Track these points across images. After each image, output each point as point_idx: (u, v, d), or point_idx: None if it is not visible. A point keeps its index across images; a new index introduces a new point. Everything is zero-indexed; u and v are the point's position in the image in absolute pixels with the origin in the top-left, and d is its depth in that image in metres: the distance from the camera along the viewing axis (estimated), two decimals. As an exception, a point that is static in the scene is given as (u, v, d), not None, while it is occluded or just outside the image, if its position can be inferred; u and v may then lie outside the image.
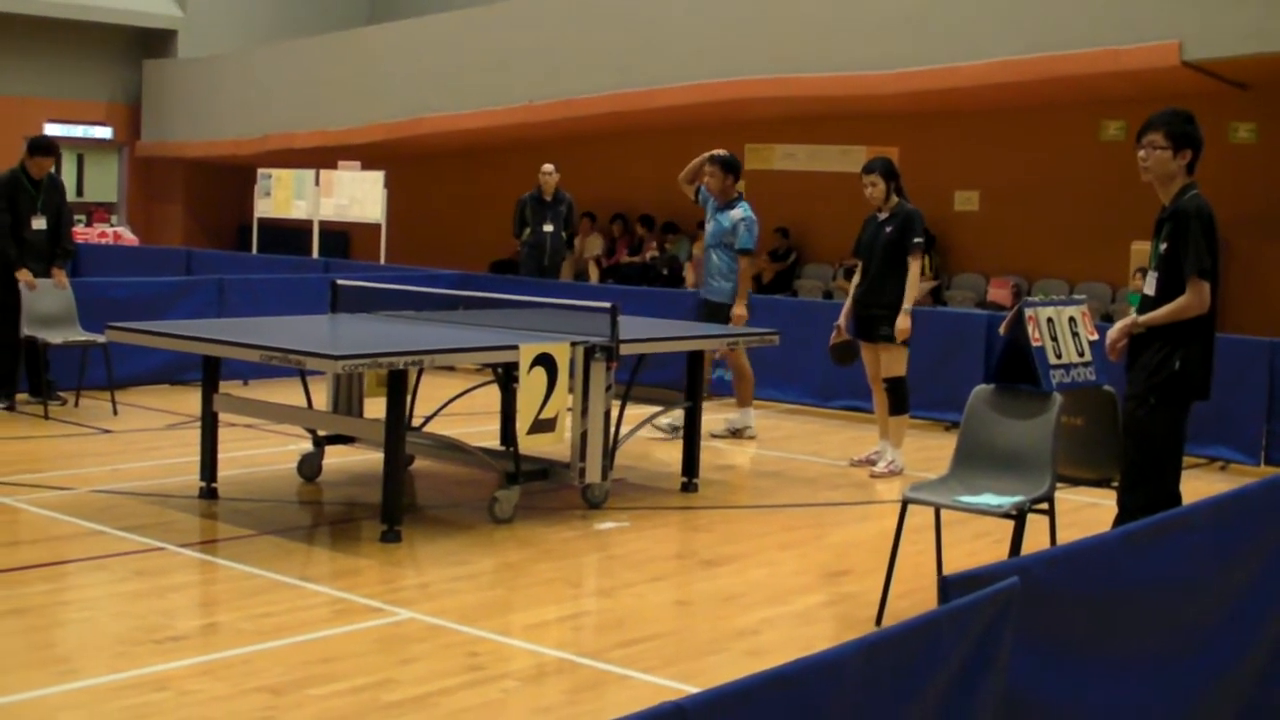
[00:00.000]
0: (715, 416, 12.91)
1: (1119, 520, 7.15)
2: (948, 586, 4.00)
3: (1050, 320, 7.75)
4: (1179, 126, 7.24)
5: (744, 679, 3.23)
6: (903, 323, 11.35)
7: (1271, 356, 12.25)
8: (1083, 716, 4.61)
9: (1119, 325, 7.38)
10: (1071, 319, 7.88)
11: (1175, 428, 7.31)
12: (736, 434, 12.93)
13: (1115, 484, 7.68)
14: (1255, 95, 19.18)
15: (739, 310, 12.50)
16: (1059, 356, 7.69)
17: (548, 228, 18.20)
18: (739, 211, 12.61)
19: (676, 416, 12.16)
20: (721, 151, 12.84)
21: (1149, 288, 7.34)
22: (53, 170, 13.69)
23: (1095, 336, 7.98)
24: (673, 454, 11.05)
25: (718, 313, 12.64)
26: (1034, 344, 7.61)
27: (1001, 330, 7.90)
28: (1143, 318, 7.27)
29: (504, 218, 26.51)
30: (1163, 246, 7.25)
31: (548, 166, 18.29)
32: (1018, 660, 4.14)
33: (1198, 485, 8.23)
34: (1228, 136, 19.25)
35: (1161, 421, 7.24)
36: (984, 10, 19.25)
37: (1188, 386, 7.24)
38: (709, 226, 12.80)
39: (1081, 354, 7.83)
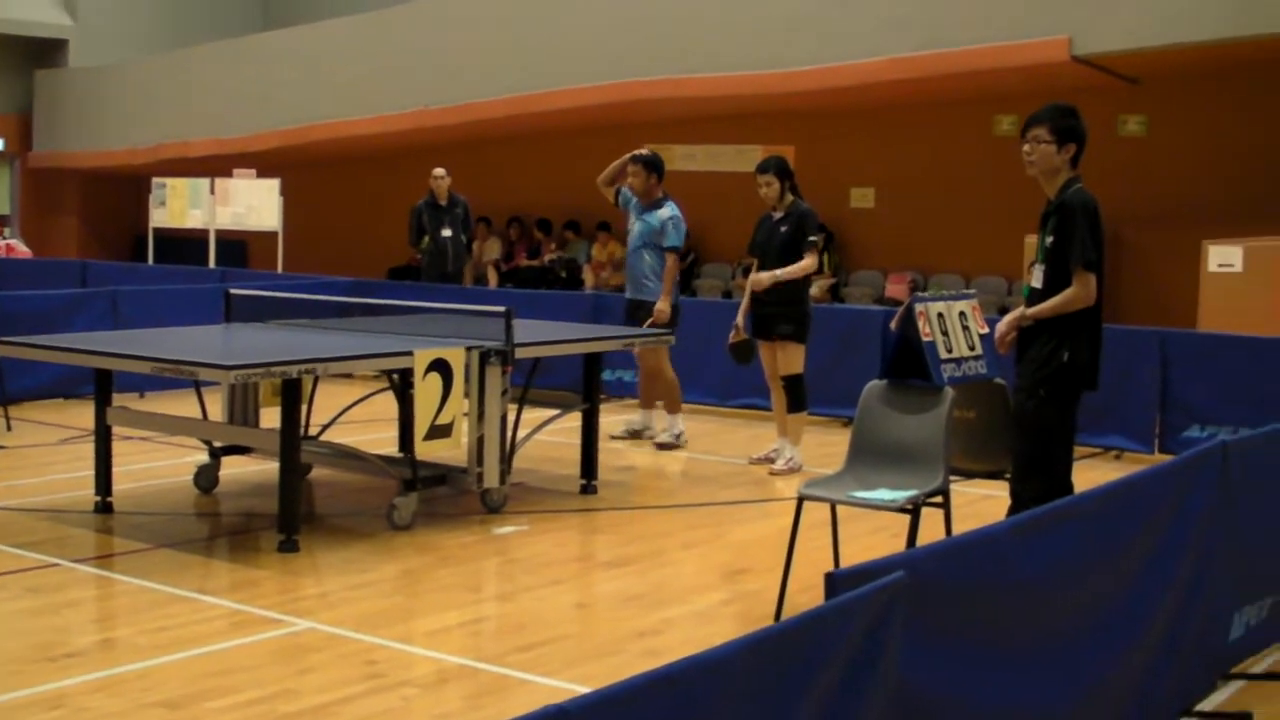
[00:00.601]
0: (615, 419, 12.93)
1: (1012, 511, 7.22)
2: (834, 581, 4.03)
3: (940, 315, 7.81)
4: (1062, 121, 7.32)
5: (628, 679, 3.25)
6: (662, 304, 12.14)
7: (1162, 346, 12.40)
8: (975, 708, 4.66)
9: (1007, 318, 7.45)
10: (962, 313, 7.94)
11: (1065, 418, 7.38)
12: (676, 438, 12.68)
13: (1008, 475, 7.75)
14: (1145, 89, 19.40)
15: (662, 305, 12.35)
16: (950, 351, 7.75)
17: (446, 232, 17.86)
18: (667, 210, 12.55)
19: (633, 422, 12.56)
20: (644, 151, 12.77)
21: (1036, 280, 7.41)
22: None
23: (986, 330, 8.05)
24: (572, 456, 11.04)
25: (652, 313, 12.41)
26: (925, 339, 7.67)
27: (892, 326, 7.96)
28: (1030, 310, 7.34)
29: (402, 224, 26.56)
30: (1049, 240, 7.33)
31: (438, 170, 18.00)
32: (907, 654, 4.18)
33: (1092, 475, 8.30)
34: (1117, 130, 19.47)
35: (1051, 413, 7.32)
36: (875, 8, 19.36)
37: (1076, 378, 7.32)
38: (635, 227, 12.65)
39: (972, 348, 7.89)
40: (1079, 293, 7.22)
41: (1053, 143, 7.28)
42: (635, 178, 12.57)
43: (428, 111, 23.90)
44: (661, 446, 12.57)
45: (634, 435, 12.92)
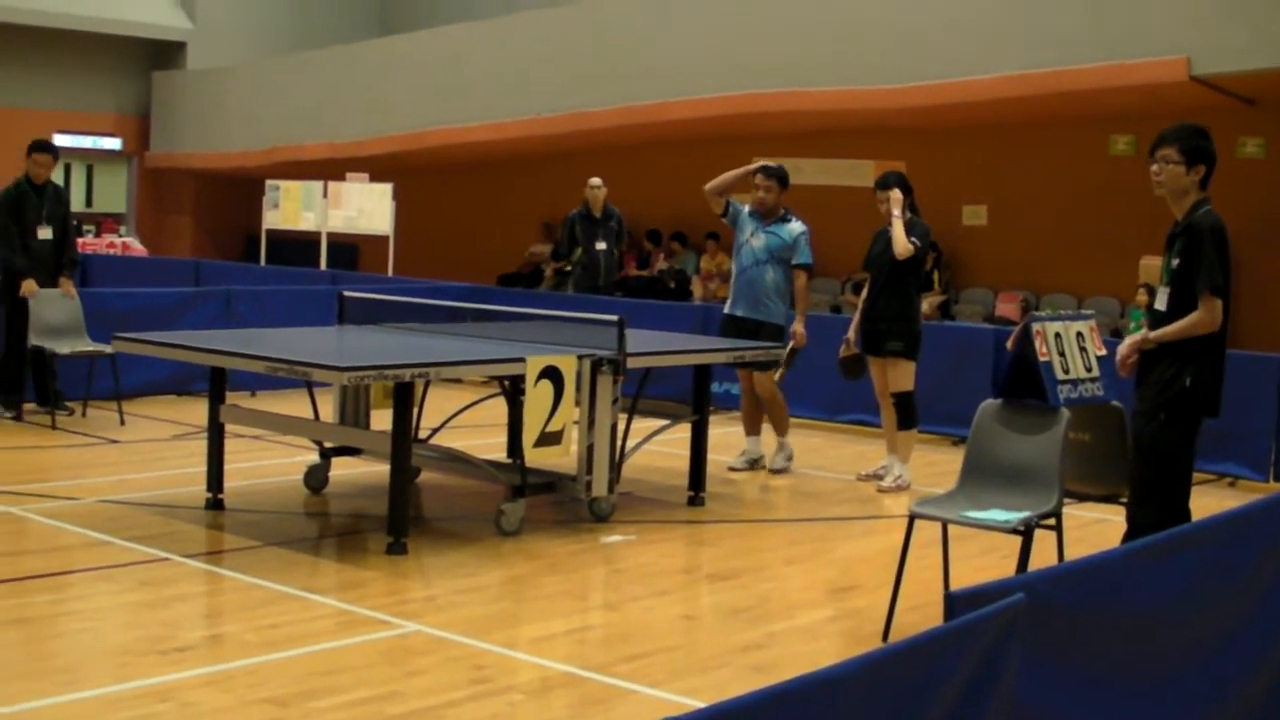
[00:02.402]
0: (722, 432, 12.86)
1: (1128, 536, 7.12)
2: (954, 602, 3.98)
3: (1058, 335, 7.73)
4: (1192, 141, 7.20)
5: (746, 695, 3.21)
6: (799, 326, 11.87)
7: (1280, 373, 12.25)
8: (1089, 733, 4.60)
9: (1129, 341, 7.34)
10: (1079, 334, 7.86)
11: (1185, 444, 7.26)
12: (788, 460, 12.28)
13: (1123, 500, 7.65)
14: (1263, 110, 19.17)
15: (799, 327, 11.95)
16: (1066, 372, 7.67)
17: (600, 245, 17.21)
18: (797, 225, 12.00)
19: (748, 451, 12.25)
20: (770, 163, 12.31)
21: (1160, 303, 7.29)
22: (59, 182, 13.69)
23: (1103, 352, 7.96)
24: (680, 467, 11.02)
25: (776, 335, 11.89)
26: (1041, 359, 7.60)
27: (1009, 346, 7.89)
28: (1154, 333, 7.22)
29: (512, 230, 26.69)
30: (1175, 262, 7.20)
31: (594, 180, 17.31)
32: (1024, 677, 4.12)
33: (1207, 501, 8.20)
34: (1235, 151, 19.23)
35: (1171, 438, 7.20)
36: (991, 25, 19.23)
37: (1198, 403, 7.19)
38: (755, 241, 12.01)
39: (1089, 369, 7.81)
40: (1205, 317, 7.10)
41: (1182, 163, 7.16)
42: (768, 192, 12.01)
43: (541, 119, 23.97)
44: (776, 472, 12.14)
45: (753, 465, 12.28)
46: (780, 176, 12.11)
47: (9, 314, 13.16)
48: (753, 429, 12.37)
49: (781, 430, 12.27)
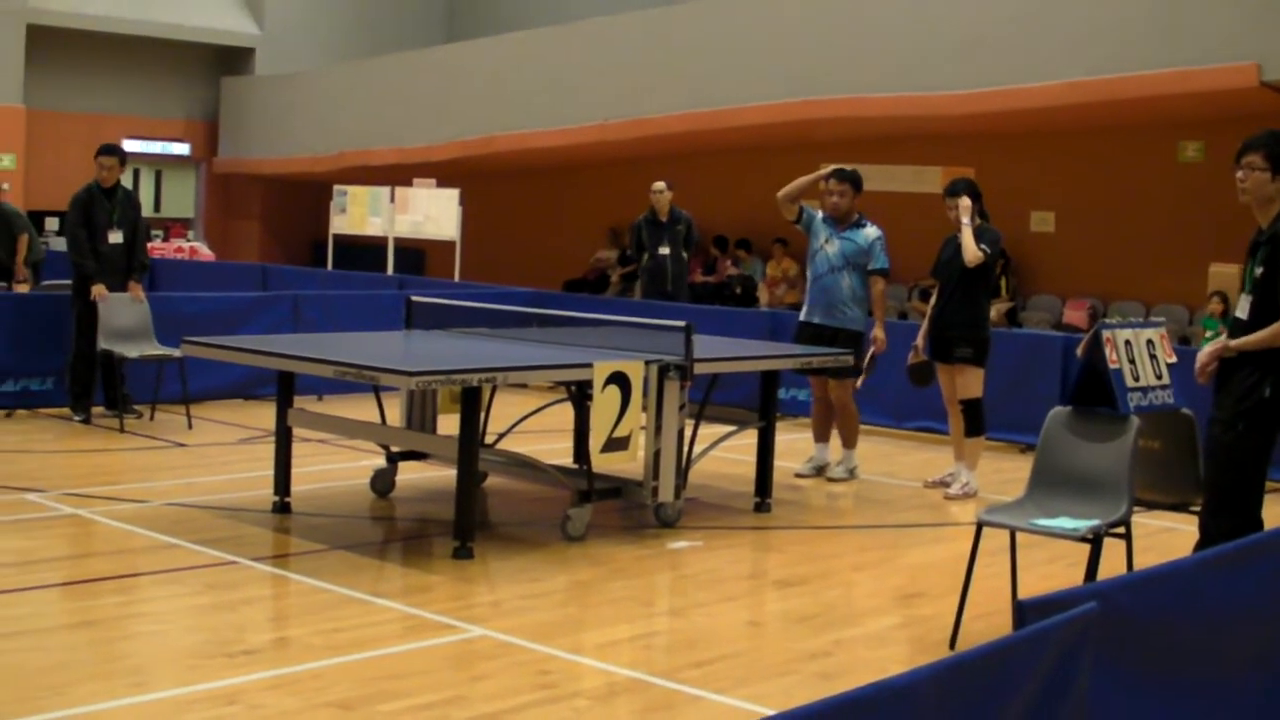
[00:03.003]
0: (789, 439, 12.79)
1: (1200, 545, 7.06)
2: (1024, 611, 3.95)
3: (1128, 342, 7.67)
4: (1278, 148, 7.12)
5: (818, 702, 3.19)
6: (879, 332, 11.82)
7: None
8: (1161, 743, 4.56)
9: (1209, 348, 7.25)
10: (1149, 341, 7.80)
11: (1262, 454, 7.18)
12: (851, 473, 12.10)
13: (1193, 508, 7.59)
14: (1336, 117, 19.01)
15: (880, 333, 11.92)
16: (1136, 379, 7.61)
17: (664, 250, 16.92)
18: (873, 230, 11.91)
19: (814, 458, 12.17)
20: (845, 167, 12.17)
21: (1241, 311, 7.21)
22: (128, 185, 13.76)
23: (1173, 359, 7.90)
24: (746, 473, 11.00)
25: (852, 341, 11.75)
26: (1111, 366, 7.54)
27: (1078, 353, 7.83)
28: (1235, 342, 7.13)
29: (579, 236, 26.73)
30: (1259, 270, 7.11)
31: (658, 185, 17.02)
32: (1094, 686, 4.09)
33: (1278, 510, 8.13)
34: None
35: (1248, 447, 7.12)
36: (1058, 31, 19.13)
37: (1277, 413, 7.11)
38: (830, 247, 11.89)
39: (1159, 377, 7.74)
40: None
41: (1267, 170, 7.08)
42: (841, 197, 11.91)
43: (607, 126, 23.99)
44: (833, 480, 11.99)
45: (819, 472, 12.17)
46: (853, 180, 12.01)
47: (79, 318, 13.24)
48: (822, 435, 12.30)
49: (849, 442, 12.14)
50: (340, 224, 23.49)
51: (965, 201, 11.30)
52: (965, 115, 20.15)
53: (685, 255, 17.18)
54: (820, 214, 12.05)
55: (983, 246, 11.18)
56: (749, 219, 23.60)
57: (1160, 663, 4.59)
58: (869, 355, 11.75)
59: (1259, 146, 7.13)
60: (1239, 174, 7.18)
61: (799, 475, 12.09)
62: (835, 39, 21.38)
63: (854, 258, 11.83)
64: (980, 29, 19.88)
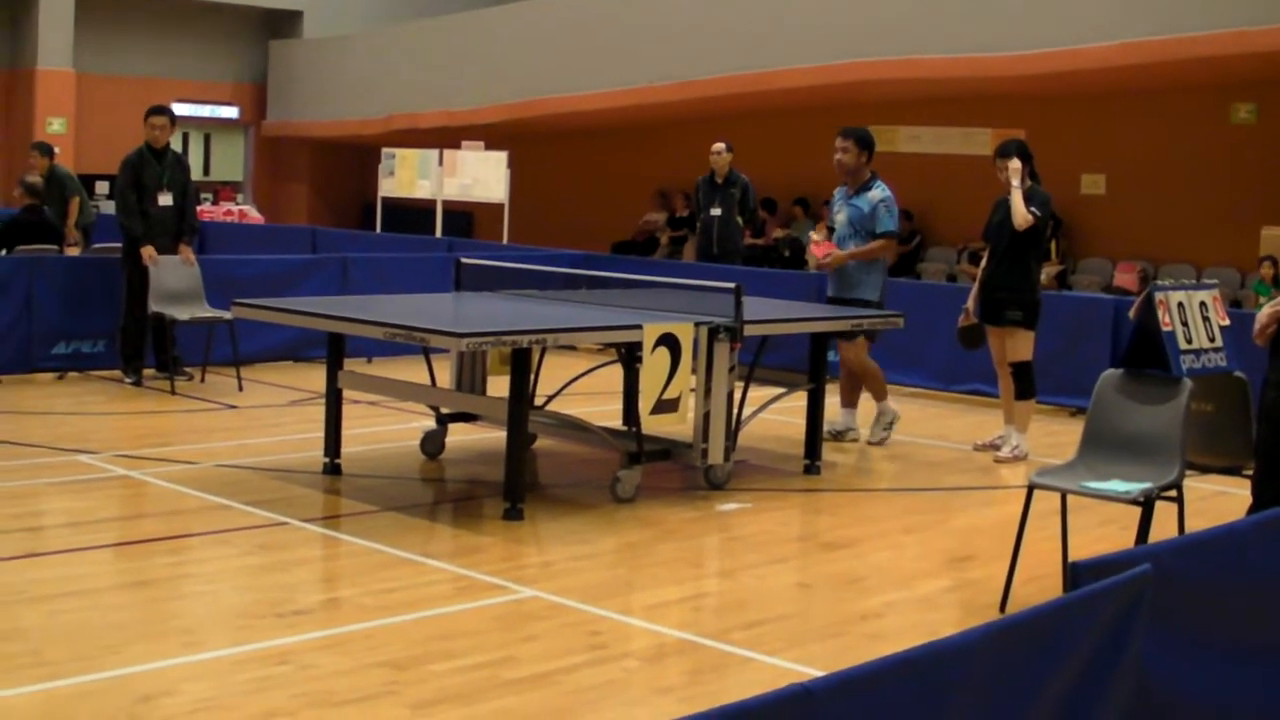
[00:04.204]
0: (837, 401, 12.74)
1: (1254, 509, 7.00)
2: (1078, 573, 3.94)
3: (1181, 305, 7.63)
4: None
5: (871, 662, 3.20)
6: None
7: None
8: (1215, 706, 4.55)
9: (1269, 309, 7.16)
10: (1202, 304, 7.75)
11: (1318, 418, 7.13)
12: (889, 428, 11.92)
13: (1246, 472, 7.55)
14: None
15: (838, 252, 11.54)
16: (1189, 342, 7.57)
17: (715, 211, 16.67)
18: (878, 191, 11.53)
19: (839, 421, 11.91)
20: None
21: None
22: (177, 149, 13.79)
23: (1226, 322, 7.85)
24: (796, 435, 10.99)
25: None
26: (1164, 329, 7.49)
27: (1131, 315, 7.79)
28: (1296, 303, 7.08)
29: (627, 198, 26.70)
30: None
31: (718, 145, 16.62)
32: (1150, 648, 4.08)
33: (1330, 474, 8.08)
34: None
35: (1305, 411, 7.07)
36: (1113, -9, 19.03)
37: (1334, 377, 7.05)
38: (840, 215, 11.68)
39: (1212, 339, 7.70)
40: None
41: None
42: (846, 154, 11.54)
43: (654, 88, 23.95)
44: (874, 443, 11.80)
45: (837, 437, 11.92)
46: (859, 138, 11.63)
47: (130, 281, 13.29)
48: (849, 401, 12.10)
49: (879, 394, 11.94)
50: (389, 187, 23.51)
51: (1015, 164, 11.22)
52: (1016, 77, 20.05)
53: (741, 219, 16.95)
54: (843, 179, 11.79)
55: (1032, 210, 11.10)
56: (804, 179, 23.52)
57: (1212, 626, 4.58)
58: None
59: None
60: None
61: (870, 442, 11.95)
62: (885, 0, 21.28)
63: (860, 224, 11.58)
64: (1032, -10, 19.79)
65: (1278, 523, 4.96)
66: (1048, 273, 18.87)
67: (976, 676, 3.46)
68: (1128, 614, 3.92)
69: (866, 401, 11.98)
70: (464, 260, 11.47)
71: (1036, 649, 3.64)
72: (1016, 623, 3.65)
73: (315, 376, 11.85)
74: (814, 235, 11.88)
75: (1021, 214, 11.05)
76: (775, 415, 11.19)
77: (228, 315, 12.12)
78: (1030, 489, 7.53)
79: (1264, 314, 7.19)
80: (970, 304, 11.61)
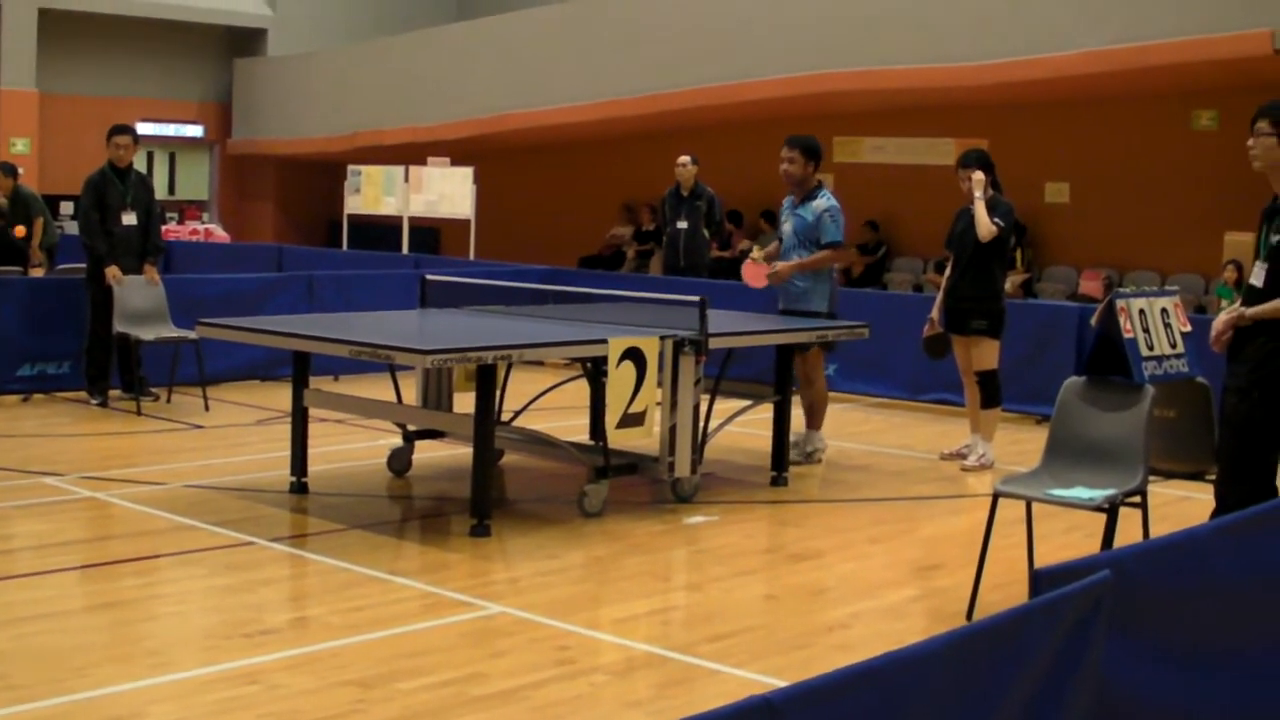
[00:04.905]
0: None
1: (1217, 513, 7.04)
2: (1039, 579, 3.96)
3: (1142, 311, 7.66)
4: None
5: (832, 673, 3.21)
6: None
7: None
8: (1174, 710, 4.56)
9: (1225, 316, 7.21)
10: (1164, 310, 7.79)
11: (1277, 422, 7.16)
12: (808, 457, 11.55)
13: (1209, 477, 7.59)
14: (1350, 84, 18.94)
15: (782, 269, 11.31)
16: (1151, 348, 7.60)
17: (681, 224, 16.70)
18: (823, 202, 11.33)
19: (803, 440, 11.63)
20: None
21: (1256, 279, 7.18)
22: (142, 169, 13.75)
23: (1188, 328, 7.89)
24: (762, 447, 11.00)
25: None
26: (1126, 336, 7.53)
27: (1093, 322, 7.83)
28: (1250, 311, 7.10)
29: (593, 213, 26.70)
30: (1275, 238, 7.09)
31: (683, 158, 16.68)
32: (1111, 654, 4.10)
33: (1293, 478, 8.12)
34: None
35: (1264, 415, 7.09)
36: (1072, 1, 19.08)
37: (1293, 381, 7.09)
38: (787, 226, 11.55)
39: (1174, 346, 7.74)
40: None
41: (1273, 135, 7.06)
42: (792, 164, 11.36)
43: (619, 102, 23.96)
44: (793, 463, 11.10)
45: (808, 458, 11.54)
46: (805, 147, 11.43)
47: (94, 301, 13.26)
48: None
49: (815, 423, 11.69)
50: (355, 204, 23.49)
51: (978, 175, 11.26)
52: (979, 86, 20.10)
53: (707, 232, 16.90)
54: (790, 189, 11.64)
55: (996, 220, 11.14)
56: (767, 193, 23.53)
57: (1175, 631, 4.59)
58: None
59: (1266, 113, 7.12)
60: (1250, 141, 7.17)
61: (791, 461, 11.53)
62: (851, 11, 21.31)
63: (805, 234, 11.40)
64: (995, 0, 19.82)
65: (1240, 527, 4.98)
66: (1013, 281, 18.91)
67: (938, 685, 3.47)
68: (1088, 620, 3.93)
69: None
70: (429, 277, 11.47)
71: (997, 657, 3.65)
72: (977, 631, 3.67)
73: (281, 395, 11.83)
74: (753, 255, 11.79)
75: (986, 225, 11.09)
76: (741, 428, 11.19)
77: (193, 335, 12.10)
78: (995, 497, 7.56)
79: (1220, 321, 7.23)
80: (935, 314, 11.65)
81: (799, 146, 11.44)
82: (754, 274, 11.56)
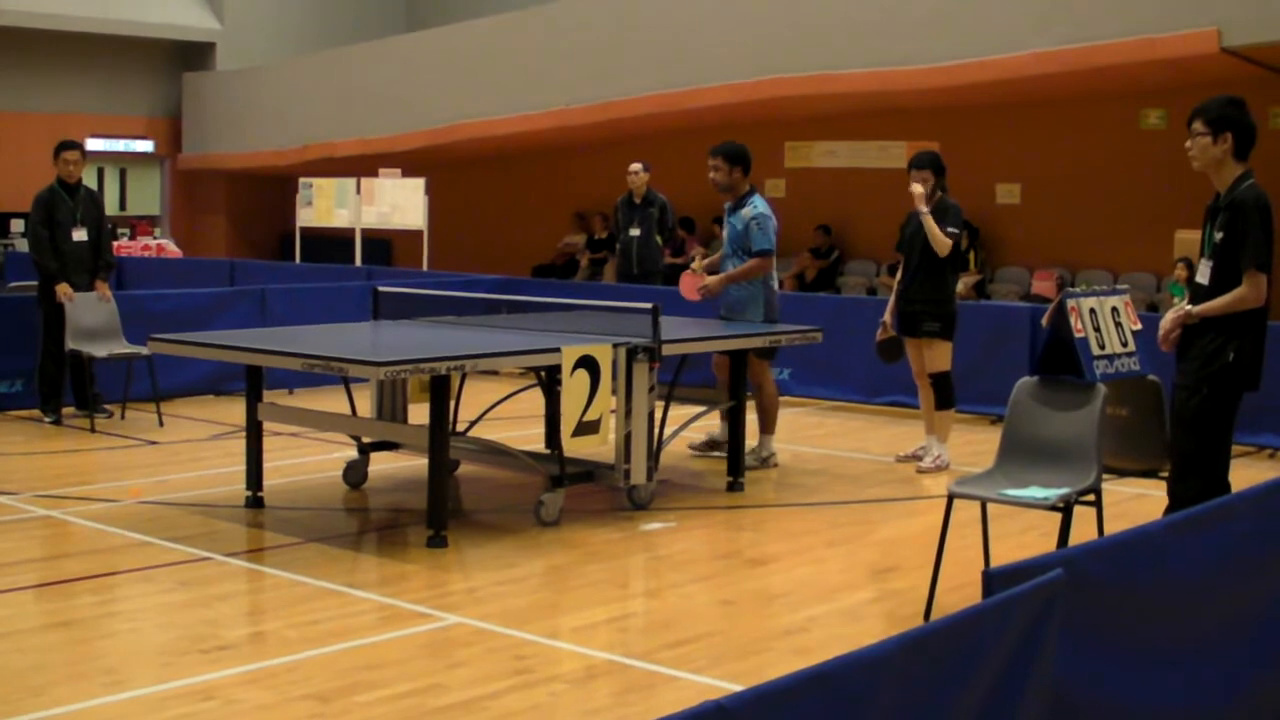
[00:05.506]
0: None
1: (1170, 510, 7.10)
2: (991, 580, 3.98)
3: (1093, 311, 7.71)
4: (1218, 110, 7.17)
5: (785, 677, 3.22)
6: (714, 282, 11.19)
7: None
8: (1130, 708, 4.58)
9: (1171, 315, 7.28)
10: (1114, 309, 7.83)
11: (1227, 418, 7.23)
12: (763, 462, 11.54)
13: (1162, 474, 7.63)
14: (1297, 81, 19.04)
15: (713, 285, 11.28)
16: (1102, 347, 7.65)
17: (634, 231, 16.54)
18: (750, 209, 11.30)
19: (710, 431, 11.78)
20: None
21: (1202, 276, 7.25)
22: (92, 185, 13.69)
23: (1139, 326, 7.94)
24: (718, 452, 11.01)
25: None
26: (1076, 335, 7.58)
27: (1044, 322, 7.87)
28: (1197, 308, 7.17)
29: (546, 222, 26.70)
30: (1218, 235, 7.16)
31: (635, 166, 16.43)
32: (1064, 653, 4.11)
33: (1247, 474, 8.17)
34: (1269, 122, 19.10)
35: (1214, 411, 7.17)
36: (1020, 3, 19.15)
37: (1240, 377, 7.16)
38: (723, 234, 11.71)
39: (1125, 344, 7.78)
40: (1249, 293, 7.07)
41: (1208, 134, 7.13)
42: (717, 171, 11.34)
43: (569, 110, 23.96)
44: (750, 468, 11.14)
45: (764, 462, 11.52)
46: (727, 153, 11.39)
47: (46, 319, 13.20)
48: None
49: (767, 427, 11.67)
50: (306, 217, 23.40)
51: (916, 188, 11.27)
52: (929, 89, 20.15)
53: (660, 239, 16.85)
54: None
55: (949, 230, 11.17)
56: (716, 199, 23.41)
57: (1128, 628, 4.61)
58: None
59: (1200, 112, 7.20)
60: (1187, 142, 7.24)
61: (692, 447, 11.83)
62: (799, 17, 21.33)
63: (737, 242, 11.40)
64: (944, 3, 19.88)
65: (1192, 523, 5.00)
66: (965, 283, 18.99)
67: (891, 687, 3.48)
68: (1040, 619, 3.95)
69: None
70: (382, 288, 11.45)
71: (950, 658, 3.66)
72: (929, 633, 3.67)
73: (236, 410, 11.80)
74: (693, 266, 11.78)
75: (939, 240, 11.12)
76: (697, 434, 11.20)
77: (146, 351, 12.06)
78: (950, 498, 7.59)
79: (1167, 320, 7.30)
80: (887, 317, 11.69)
81: (722, 154, 11.40)
82: (689, 286, 11.57)
